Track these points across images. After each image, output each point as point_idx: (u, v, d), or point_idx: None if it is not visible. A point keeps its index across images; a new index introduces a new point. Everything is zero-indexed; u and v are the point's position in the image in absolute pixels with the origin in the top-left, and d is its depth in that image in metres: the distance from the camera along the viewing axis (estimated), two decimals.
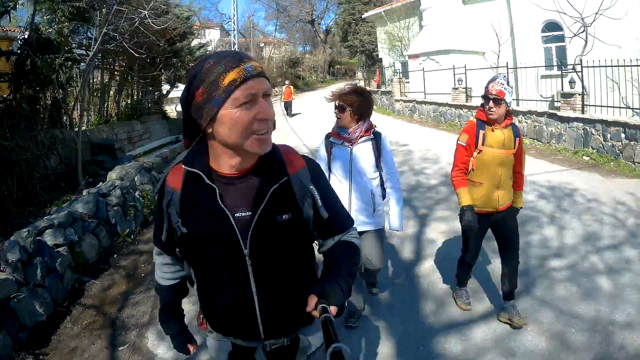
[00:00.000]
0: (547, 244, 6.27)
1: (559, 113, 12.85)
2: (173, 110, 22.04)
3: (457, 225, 7.14)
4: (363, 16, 36.26)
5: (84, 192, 7.08)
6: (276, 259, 1.72)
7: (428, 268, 5.84)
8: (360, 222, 4.17)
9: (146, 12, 9.75)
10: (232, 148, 1.59)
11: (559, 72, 15.44)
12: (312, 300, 1.50)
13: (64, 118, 9.84)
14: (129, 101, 15.55)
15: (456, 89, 18.74)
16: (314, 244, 1.96)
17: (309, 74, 55.78)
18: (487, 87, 4.08)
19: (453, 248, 6.20)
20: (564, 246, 6.17)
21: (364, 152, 4.12)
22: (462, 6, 22.46)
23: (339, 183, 4.20)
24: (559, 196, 8.39)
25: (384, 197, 4.38)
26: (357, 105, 3.98)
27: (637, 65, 11.54)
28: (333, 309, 1.45)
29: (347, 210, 3.71)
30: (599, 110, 12.58)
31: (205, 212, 1.67)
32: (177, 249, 1.84)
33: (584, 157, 11.49)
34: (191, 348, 2.14)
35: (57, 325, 5.04)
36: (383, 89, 28.76)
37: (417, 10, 25.14)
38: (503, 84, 4.00)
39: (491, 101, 4.00)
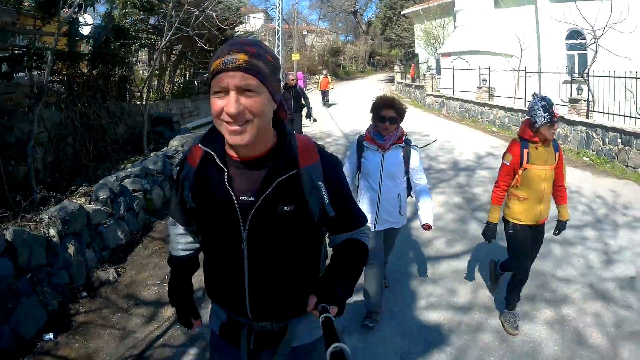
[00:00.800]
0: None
1: (567, 116, 13.96)
2: None
3: (454, 198, 8.66)
4: (402, 12, 37.45)
5: (152, 154, 8.70)
6: (272, 247, 1.73)
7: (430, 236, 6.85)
8: (385, 221, 4.43)
9: (209, 6, 11.26)
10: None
11: (577, 77, 16.69)
12: (313, 299, 1.54)
13: (129, 94, 11.43)
14: (181, 81, 17.14)
15: (480, 88, 19.83)
16: (325, 238, 1.98)
17: (349, 63, 56.26)
18: (553, 111, 4.10)
19: (449, 215, 7.82)
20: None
21: (394, 158, 4.31)
22: (494, 10, 23.47)
23: (368, 186, 4.43)
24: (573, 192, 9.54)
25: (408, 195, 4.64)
26: (402, 115, 4.27)
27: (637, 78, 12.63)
28: (333, 309, 1.47)
29: (374, 210, 4.28)
30: (604, 117, 13.61)
31: (213, 192, 1.71)
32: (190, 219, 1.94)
33: (584, 158, 12.60)
34: (195, 323, 2.14)
35: (132, 249, 6.60)
36: (417, 83, 29.84)
37: (452, 11, 26.18)
38: (554, 105, 4.17)
39: (555, 124, 4.12)
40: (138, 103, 11.27)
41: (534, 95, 4.49)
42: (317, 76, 41.05)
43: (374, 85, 39.55)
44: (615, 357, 4.19)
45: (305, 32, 58.31)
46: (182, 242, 2.06)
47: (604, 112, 13.64)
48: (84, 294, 5.27)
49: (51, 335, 4.48)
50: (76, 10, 7.45)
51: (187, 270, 2.13)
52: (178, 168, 1.91)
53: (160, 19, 11.00)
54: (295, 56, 37.37)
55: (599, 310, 4.94)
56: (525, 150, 4.26)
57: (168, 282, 2.18)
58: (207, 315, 2.11)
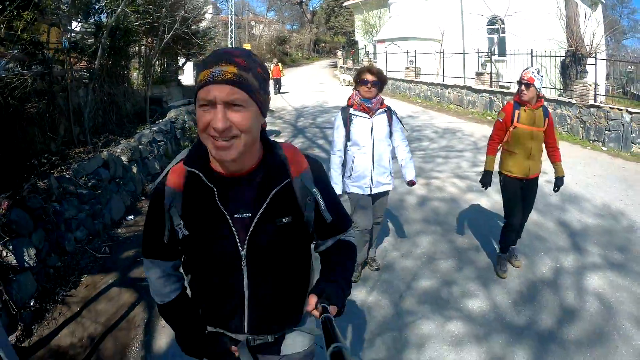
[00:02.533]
0: (428, 150, 10.97)
1: (474, 86, 17.67)
2: (183, 79, 26.13)
3: None
4: (344, 4, 40.73)
5: (158, 122, 11.49)
6: (272, 261, 1.68)
7: None
8: (378, 183, 4.69)
9: (182, 13, 13.91)
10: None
11: (497, 58, 20.76)
12: (312, 299, 1.47)
13: (127, 80, 14.02)
14: (158, 70, 19.81)
15: (408, 68, 23.59)
16: (311, 244, 1.90)
17: (295, 51, 57.84)
18: (521, 75, 4.74)
19: None
20: (435, 149, 10.97)
21: (381, 122, 4.55)
22: (424, 1, 26.86)
23: (359, 151, 4.60)
24: (449, 131, 13.45)
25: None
26: (383, 81, 4.52)
27: (532, 55, 16.36)
28: (333, 309, 1.43)
29: (370, 174, 4.60)
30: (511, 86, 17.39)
31: (206, 213, 1.61)
32: (179, 251, 1.76)
33: (488, 118, 16.14)
34: (233, 350, 1.83)
35: None
36: (356, 67, 32.72)
37: (387, 3, 29.50)
38: (533, 72, 4.67)
39: (523, 85, 4.66)
40: (135, 87, 13.81)
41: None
42: (265, 64, 42.92)
43: (318, 71, 42.35)
44: None
45: (253, 23, 59.77)
46: (169, 282, 1.81)
47: (506, 82, 17.55)
48: (142, 197, 8.26)
49: (132, 217, 7.39)
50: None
51: (189, 308, 1.85)
52: (154, 195, 1.68)
53: (155, 21, 13.28)
54: (247, 46, 39.68)
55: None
56: (517, 112, 4.78)
57: (176, 339, 1.89)
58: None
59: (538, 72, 4.71)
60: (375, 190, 4.70)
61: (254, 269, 1.67)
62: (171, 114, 12.44)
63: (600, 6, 28.88)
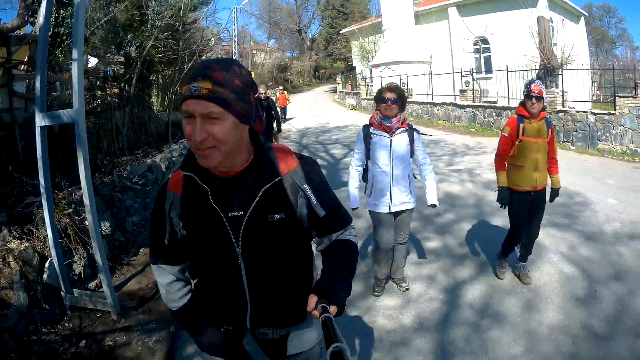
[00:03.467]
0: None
1: (458, 102, 19.47)
2: None
3: None
4: (341, 32, 43.08)
5: (181, 141, 13.10)
6: (268, 257, 1.72)
7: None
8: (399, 202, 4.62)
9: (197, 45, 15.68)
10: None
11: (483, 75, 23.26)
12: (312, 300, 1.49)
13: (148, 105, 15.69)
14: (173, 98, 21.61)
15: None
16: (312, 242, 1.92)
17: (296, 77, 58.86)
18: (529, 87, 4.61)
19: None
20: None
21: (401, 141, 4.47)
22: (414, 26, 29.07)
23: (380, 170, 4.57)
24: (433, 141, 14.82)
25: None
26: (404, 99, 4.47)
27: (507, 70, 18.19)
28: (333, 309, 1.43)
29: (389, 192, 4.59)
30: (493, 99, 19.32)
31: (201, 213, 1.69)
32: (182, 255, 1.84)
33: (471, 129, 17.77)
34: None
35: None
36: (354, 90, 34.81)
37: (381, 29, 31.48)
38: (542, 85, 4.60)
39: (534, 98, 4.58)
40: (168, 111, 15.49)
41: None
42: (269, 91, 44.35)
43: (319, 96, 44.10)
44: None
45: (255, 52, 61.15)
46: (179, 288, 1.90)
47: (487, 96, 19.54)
48: None
49: None
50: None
51: (198, 311, 1.91)
52: (157, 200, 1.81)
53: (174, 53, 14.80)
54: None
55: None
56: (521, 125, 4.71)
57: (193, 336, 1.91)
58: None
59: (542, 84, 4.67)
60: (395, 209, 4.63)
61: (252, 265, 1.71)
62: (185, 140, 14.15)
63: (582, 19, 31.08)
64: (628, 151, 12.72)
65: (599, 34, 68.73)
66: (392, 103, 4.34)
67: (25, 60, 7.76)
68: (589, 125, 13.69)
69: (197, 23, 16.62)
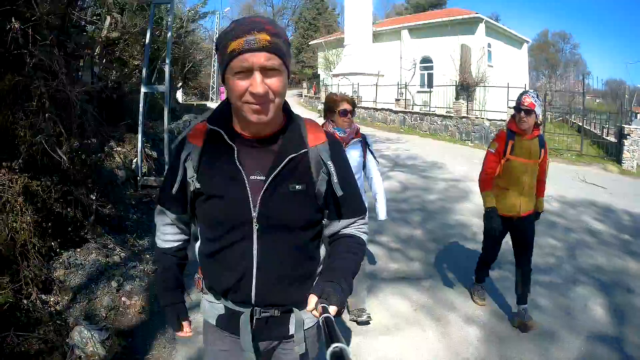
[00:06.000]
0: None
1: (394, 109, 24.61)
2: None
3: None
4: (309, 44, 48.13)
5: (179, 121, 17.39)
6: (282, 226, 1.66)
7: None
8: None
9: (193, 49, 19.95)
10: (237, 111, 1.57)
11: (424, 89, 28.66)
12: (312, 299, 1.45)
13: None
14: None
15: (352, 96, 30.15)
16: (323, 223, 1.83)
17: None
18: (520, 99, 4.09)
19: None
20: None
21: (355, 152, 4.16)
22: (372, 44, 34.11)
23: None
24: (370, 134, 19.43)
25: None
26: (355, 108, 4.21)
27: (431, 86, 23.16)
28: (333, 309, 1.41)
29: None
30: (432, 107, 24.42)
31: (222, 171, 1.64)
32: (189, 205, 1.79)
33: (401, 130, 22.78)
34: (185, 326, 1.96)
35: None
36: (317, 96, 38.83)
37: (342, 43, 36.30)
38: (534, 97, 4.06)
39: (523, 112, 4.03)
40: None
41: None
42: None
43: (287, 99, 47.56)
44: None
45: None
46: (170, 232, 1.91)
47: (414, 105, 24.75)
48: None
49: None
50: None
51: (177, 262, 1.95)
52: (176, 149, 1.75)
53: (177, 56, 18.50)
54: None
55: None
56: (510, 142, 4.18)
57: (157, 278, 2.01)
58: (199, 314, 1.96)
59: (537, 96, 4.16)
60: None
61: (264, 233, 1.65)
62: (185, 117, 18.31)
63: (525, 45, 37.29)
64: None
65: (551, 59, 74.97)
66: (352, 115, 4.08)
67: None
68: (484, 128, 18.73)
69: (195, 31, 20.90)
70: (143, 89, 8.05)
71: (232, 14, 62.55)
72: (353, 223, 1.81)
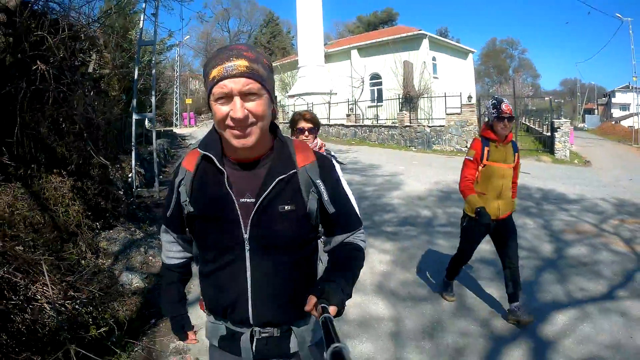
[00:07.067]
0: None
1: (346, 123, 27.13)
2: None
3: None
4: None
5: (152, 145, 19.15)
6: (274, 246, 1.69)
7: None
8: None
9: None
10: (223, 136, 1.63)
11: (374, 103, 31.17)
12: (312, 299, 1.48)
13: None
14: None
15: None
16: (319, 241, 1.89)
17: None
18: (501, 108, 4.19)
19: None
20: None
21: None
22: (324, 64, 36.61)
23: None
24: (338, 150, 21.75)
25: None
26: (318, 126, 4.19)
27: (377, 99, 25.73)
28: (333, 309, 1.42)
29: None
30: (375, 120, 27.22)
31: (213, 195, 1.68)
32: (187, 228, 1.85)
33: (352, 142, 25.09)
34: (190, 335, 2.04)
35: None
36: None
37: (296, 66, 38.56)
38: (509, 104, 4.23)
39: (506, 120, 4.17)
40: None
41: (491, 97, 4.74)
42: (202, 115, 51.65)
43: None
44: None
45: (190, 79, 65.31)
46: (174, 250, 1.99)
47: (366, 118, 27.46)
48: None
49: None
50: None
51: (179, 278, 2.03)
52: (173, 174, 1.81)
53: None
54: (189, 101, 48.08)
55: None
56: (486, 148, 4.29)
57: (161, 291, 2.06)
58: (203, 330, 1.98)
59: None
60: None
61: (257, 254, 1.68)
62: (159, 141, 20.07)
63: (470, 55, 40.45)
64: (454, 150, 20.10)
65: (500, 65, 78.72)
66: (309, 133, 4.05)
67: None
68: (425, 134, 21.18)
69: (161, 62, 22.73)
70: (135, 116, 9.91)
71: (191, 42, 63.99)
72: (350, 235, 1.85)
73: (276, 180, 1.64)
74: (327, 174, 1.76)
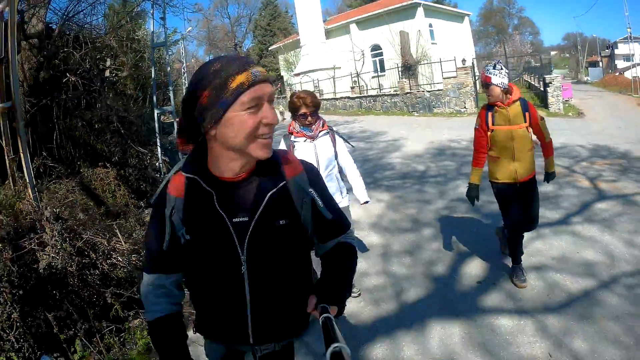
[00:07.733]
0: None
1: (351, 95, 28.15)
2: None
3: None
4: (269, 48, 51.17)
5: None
6: (272, 264, 1.63)
7: None
8: None
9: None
10: (235, 151, 1.50)
11: (377, 74, 31.98)
12: (312, 300, 1.47)
13: None
14: None
15: (314, 90, 33.37)
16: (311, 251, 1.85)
17: None
18: (482, 75, 4.35)
19: None
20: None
21: (324, 145, 4.17)
22: (325, 40, 37.42)
23: None
24: (332, 121, 22.78)
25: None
26: (318, 107, 4.16)
27: (378, 69, 26.96)
28: (333, 309, 1.41)
29: None
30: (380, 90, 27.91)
31: (205, 217, 1.58)
32: (180, 263, 1.68)
33: (358, 113, 26.12)
34: None
35: None
36: (283, 95, 41.78)
37: (299, 45, 39.37)
38: (489, 70, 4.23)
39: (484, 87, 4.30)
40: None
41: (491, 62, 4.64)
42: None
43: None
44: None
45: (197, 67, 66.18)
46: (164, 300, 1.70)
47: (370, 88, 28.60)
48: None
49: None
50: None
51: (182, 332, 1.72)
52: (155, 204, 1.66)
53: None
54: None
55: None
56: (490, 114, 4.32)
57: (159, 352, 1.70)
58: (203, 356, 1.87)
59: (494, 67, 4.23)
60: None
61: (255, 273, 1.61)
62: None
63: (467, 18, 40.81)
64: (453, 111, 21.04)
65: (498, 25, 78.26)
66: (310, 116, 4.02)
67: None
68: (426, 99, 22.20)
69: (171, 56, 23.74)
70: (156, 111, 11.10)
71: (193, 32, 64.71)
72: (343, 236, 1.81)
73: (268, 195, 1.57)
74: (316, 182, 1.71)
